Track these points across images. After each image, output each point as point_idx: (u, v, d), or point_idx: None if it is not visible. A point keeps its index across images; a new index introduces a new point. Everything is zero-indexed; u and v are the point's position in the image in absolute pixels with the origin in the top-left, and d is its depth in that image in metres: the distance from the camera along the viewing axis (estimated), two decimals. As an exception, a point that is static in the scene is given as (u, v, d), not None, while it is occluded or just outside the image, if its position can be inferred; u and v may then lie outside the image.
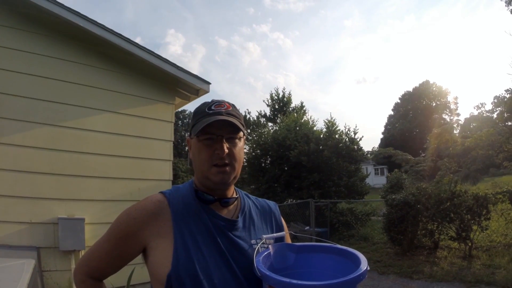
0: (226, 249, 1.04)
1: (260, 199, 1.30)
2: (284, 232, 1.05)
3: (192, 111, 1.19)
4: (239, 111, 1.13)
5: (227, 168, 1.05)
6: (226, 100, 1.13)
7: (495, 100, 10.22)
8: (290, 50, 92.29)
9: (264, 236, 0.98)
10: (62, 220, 3.77)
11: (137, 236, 1.02)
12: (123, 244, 1.04)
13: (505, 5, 8.35)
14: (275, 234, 1.02)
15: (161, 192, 1.11)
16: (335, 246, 1.06)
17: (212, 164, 1.04)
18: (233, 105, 1.12)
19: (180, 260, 0.97)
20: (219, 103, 1.09)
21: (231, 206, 1.14)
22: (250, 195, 1.28)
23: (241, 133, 1.09)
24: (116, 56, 4.53)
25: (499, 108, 10.60)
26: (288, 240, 1.27)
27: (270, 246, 1.02)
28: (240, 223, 1.11)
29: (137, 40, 4.49)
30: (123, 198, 4.41)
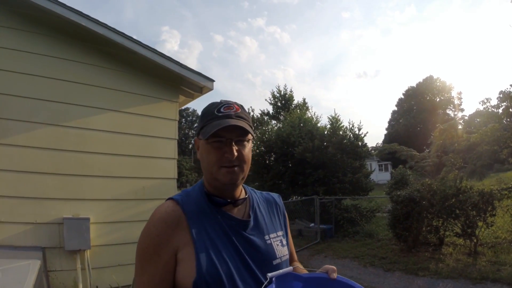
0: (243, 248, 1.06)
1: (264, 192, 1.32)
2: (291, 268, 1.03)
3: (198, 109, 1.19)
4: (247, 113, 1.14)
5: (236, 169, 1.06)
6: (230, 98, 1.13)
7: (501, 95, 10.12)
8: (288, 44, 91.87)
9: (269, 274, 0.96)
10: (67, 220, 3.78)
11: (166, 249, 1.01)
12: (160, 264, 1.01)
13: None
14: (281, 271, 1.00)
15: (172, 199, 1.10)
16: (343, 280, 1.03)
17: (221, 165, 1.06)
18: (241, 106, 1.13)
19: (203, 266, 0.98)
20: (229, 105, 1.10)
21: (241, 205, 1.16)
22: (255, 190, 1.30)
23: (249, 136, 1.10)
24: (118, 54, 4.52)
25: (505, 103, 10.48)
26: (289, 228, 1.30)
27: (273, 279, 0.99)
28: (252, 221, 1.14)
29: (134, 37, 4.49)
30: (127, 197, 4.41)
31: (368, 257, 7.72)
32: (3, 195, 3.62)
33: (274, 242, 1.15)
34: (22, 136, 3.80)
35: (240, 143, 1.08)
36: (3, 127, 3.69)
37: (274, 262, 1.11)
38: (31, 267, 2.68)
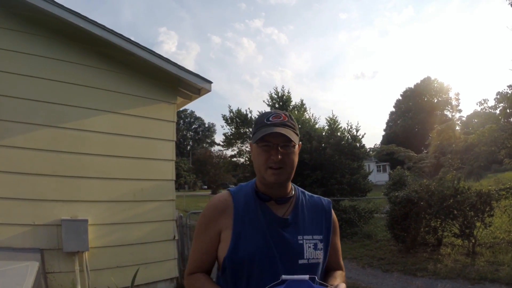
0: (274, 243, 1.20)
1: (315, 196, 1.42)
2: (307, 276, 1.03)
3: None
4: (294, 121, 1.29)
5: (281, 170, 1.22)
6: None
7: (498, 96, 10.18)
8: (285, 45, 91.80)
9: (284, 276, 1.02)
10: (66, 221, 3.77)
11: (212, 228, 1.26)
12: (207, 239, 1.26)
13: None
14: (296, 276, 1.02)
15: (228, 190, 1.33)
16: None
17: (268, 166, 1.22)
18: (289, 116, 1.28)
19: (234, 248, 1.20)
20: (276, 115, 1.26)
21: (286, 204, 1.30)
22: (306, 192, 1.42)
23: (294, 142, 1.23)
24: (116, 56, 4.53)
25: (502, 104, 10.55)
26: (337, 236, 1.39)
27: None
28: (290, 220, 1.26)
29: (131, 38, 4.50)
30: (126, 199, 4.41)
31: (366, 258, 7.73)
32: (1, 196, 3.61)
33: (306, 243, 1.24)
34: (20, 137, 3.80)
35: (286, 148, 1.22)
36: (1, 128, 3.68)
37: (300, 262, 1.21)
38: (30, 269, 2.67)
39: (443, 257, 7.15)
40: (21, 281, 2.29)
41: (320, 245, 1.26)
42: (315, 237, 1.27)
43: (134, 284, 4.05)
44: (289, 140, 1.21)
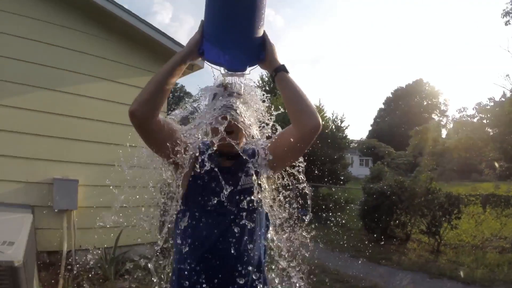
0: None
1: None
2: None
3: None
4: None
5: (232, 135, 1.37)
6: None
7: (477, 107, 10.65)
8: (281, 28, 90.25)
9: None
10: (58, 180, 3.96)
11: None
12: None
13: (501, 16, 8.42)
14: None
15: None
16: None
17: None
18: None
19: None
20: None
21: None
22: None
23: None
24: (116, 27, 4.64)
25: (480, 115, 11.08)
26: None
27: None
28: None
29: (125, 6, 4.60)
30: (115, 164, 4.59)
31: (336, 243, 8.13)
32: (-4, 153, 3.76)
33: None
34: (17, 98, 3.92)
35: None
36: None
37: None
38: (25, 219, 2.87)
39: (409, 251, 7.59)
40: (18, 228, 2.50)
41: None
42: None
43: (117, 244, 4.31)
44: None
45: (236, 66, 1.28)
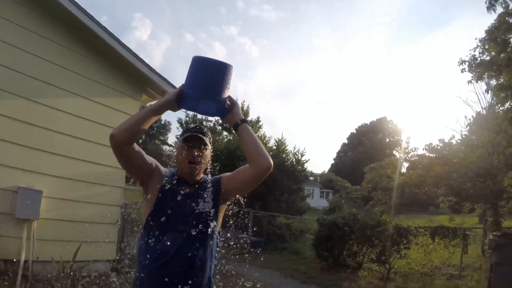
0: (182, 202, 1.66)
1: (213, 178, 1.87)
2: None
3: None
4: (209, 134, 1.78)
5: (195, 165, 1.71)
6: None
7: (427, 147, 11.63)
8: (255, 58, 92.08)
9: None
10: (22, 189, 4.00)
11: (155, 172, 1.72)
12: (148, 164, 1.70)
13: (458, 64, 9.33)
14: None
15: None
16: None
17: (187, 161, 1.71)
18: (207, 130, 1.77)
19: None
20: (199, 127, 1.77)
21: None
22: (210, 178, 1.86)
23: (207, 146, 1.75)
24: (98, 46, 4.86)
25: (430, 155, 12.07)
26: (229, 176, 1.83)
27: None
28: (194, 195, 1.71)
29: (103, 19, 4.82)
30: (80, 179, 4.69)
31: (290, 270, 8.39)
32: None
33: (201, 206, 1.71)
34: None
35: (201, 149, 1.74)
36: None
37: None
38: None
39: (360, 278, 8.00)
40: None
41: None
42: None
43: (75, 258, 4.34)
44: (205, 144, 1.69)
45: (207, 111, 1.61)
